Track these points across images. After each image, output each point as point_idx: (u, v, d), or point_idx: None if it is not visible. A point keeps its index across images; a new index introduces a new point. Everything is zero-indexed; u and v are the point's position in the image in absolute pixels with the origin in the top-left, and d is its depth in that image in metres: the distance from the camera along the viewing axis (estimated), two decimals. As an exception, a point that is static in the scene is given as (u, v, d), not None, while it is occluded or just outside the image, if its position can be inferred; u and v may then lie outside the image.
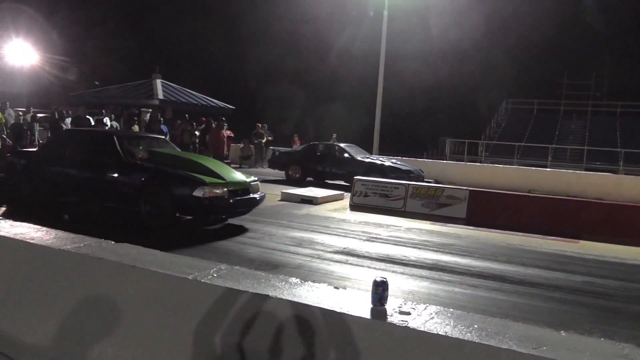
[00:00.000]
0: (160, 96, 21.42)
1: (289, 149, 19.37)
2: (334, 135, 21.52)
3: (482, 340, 1.94)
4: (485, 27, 32.34)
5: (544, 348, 1.89)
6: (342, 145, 16.25)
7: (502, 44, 33.90)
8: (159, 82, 22.35)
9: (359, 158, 15.46)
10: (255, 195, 8.49)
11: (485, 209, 10.45)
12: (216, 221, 8.62)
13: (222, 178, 7.99)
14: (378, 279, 2.30)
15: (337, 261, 6.54)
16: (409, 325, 2.07)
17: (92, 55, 33.45)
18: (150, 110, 20.29)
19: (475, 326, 2.07)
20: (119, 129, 15.34)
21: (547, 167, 21.46)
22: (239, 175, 8.53)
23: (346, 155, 15.53)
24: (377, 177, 12.58)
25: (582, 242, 8.79)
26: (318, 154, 16.05)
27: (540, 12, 33.81)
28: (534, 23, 33.73)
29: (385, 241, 8.01)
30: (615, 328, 4.67)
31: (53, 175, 8.73)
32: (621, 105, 30.84)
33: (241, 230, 8.15)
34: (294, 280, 2.61)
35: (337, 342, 2.16)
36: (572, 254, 7.87)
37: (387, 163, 15.21)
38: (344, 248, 7.30)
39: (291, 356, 2.24)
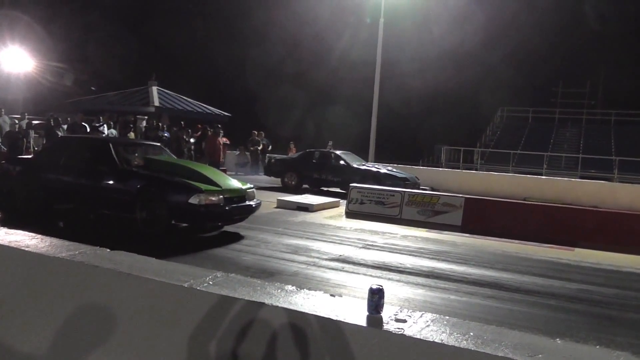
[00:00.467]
0: (156, 103, 21.46)
1: (285, 156, 19.37)
2: (330, 143, 21.55)
3: (478, 348, 1.94)
4: (481, 35, 32.59)
5: (540, 356, 1.89)
6: (338, 152, 16.28)
7: (497, 53, 34.16)
8: (154, 89, 22.39)
9: (355, 165, 15.48)
10: (251, 203, 8.48)
11: (481, 217, 10.47)
12: (212, 228, 8.60)
13: (218, 185, 7.98)
14: (374, 287, 2.30)
15: (333, 269, 6.54)
16: (405, 333, 2.07)
17: (88, 62, 33.45)
18: (146, 117, 20.31)
19: (472, 334, 2.07)
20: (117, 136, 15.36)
21: (542, 175, 21.53)
22: (234, 183, 8.52)
23: (342, 162, 15.54)
24: (373, 185, 12.59)
25: (577, 249, 8.81)
26: (314, 161, 16.06)
27: (535, 20, 34.10)
28: (530, 32, 33.99)
29: (381, 249, 8.01)
30: (611, 336, 4.68)
31: (48, 182, 8.69)
32: (616, 113, 31.04)
33: (237, 237, 8.13)
34: (289, 287, 2.60)
35: (333, 350, 2.16)
36: (567, 261, 7.89)
37: (383, 170, 15.23)
38: (340, 255, 7.29)
39: (287, 364, 2.23)
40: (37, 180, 8.78)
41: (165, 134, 16.51)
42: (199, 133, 17.59)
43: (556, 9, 34.87)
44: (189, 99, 24.18)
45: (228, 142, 18.95)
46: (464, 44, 32.46)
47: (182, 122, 18.29)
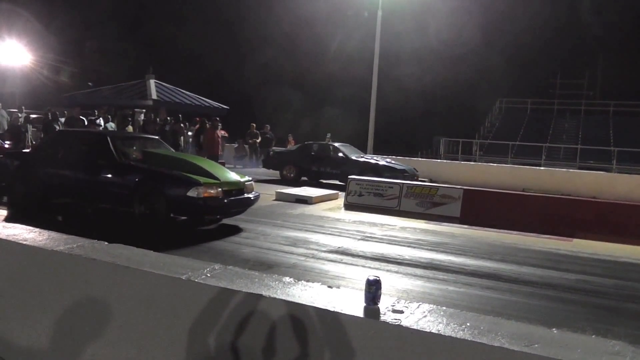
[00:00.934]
0: (154, 96, 21.34)
1: (284, 148, 19.34)
2: (329, 135, 21.50)
3: (474, 338, 1.95)
4: (480, 27, 32.46)
5: (536, 345, 1.90)
6: (336, 144, 16.25)
7: (496, 44, 34.03)
8: (152, 82, 22.26)
9: (354, 157, 15.46)
10: (250, 195, 8.48)
11: (479, 208, 10.47)
12: (210, 221, 8.60)
13: (216, 178, 7.97)
14: (371, 278, 2.31)
15: (331, 260, 6.55)
16: (401, 323, 2.08)
17: (86, 57, 33.34)
18: (144, 110, 20.23)
19: (468, 324, 2.07)
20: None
21: (540, 166, 21.54)
22: (233, 175, 8.52)
23: (340, 154, 15.52)
24: (371, 177, 12.59)
25: (575, 240, 8.83)
26: (312, 153, 16.03)
27: (534, 12, 33.98)
28: (528, 23, 33.88)
29: (380, 240, 8.02)
30: (608, 326, 4.70)
31: (46, 176, 8.68)
32: (614, 104, 31.05)
33: (235, 230, 8.14)
34: (287, 279, 2.61)
35: (331, 341, 2.17)
36: (565, 252, 7.91)
37: (382, 162, 15.22)
38: (339, 247, 7.30)
39: (285, 355, 2.24)
40: (35, 174, 8.76)
41: (166, 128, 16.49)
42: (197, 126, 17.54)
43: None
44: (187, 92, 24.06)
45: (226, 134, 18.90)
46: (462, 35, 32.36)
47: (180, 115, 18.22)
